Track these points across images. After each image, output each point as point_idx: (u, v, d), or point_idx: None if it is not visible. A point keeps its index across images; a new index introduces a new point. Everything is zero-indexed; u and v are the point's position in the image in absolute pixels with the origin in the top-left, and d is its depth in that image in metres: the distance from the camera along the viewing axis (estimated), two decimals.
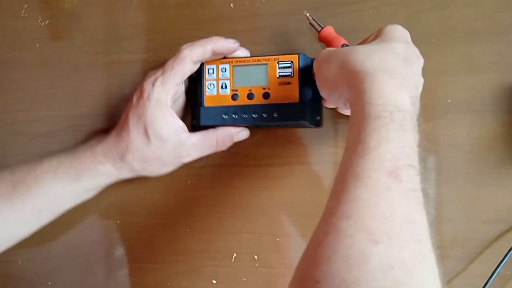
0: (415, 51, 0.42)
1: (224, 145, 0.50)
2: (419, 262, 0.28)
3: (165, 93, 0.48)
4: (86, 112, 0.58)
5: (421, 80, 0.42)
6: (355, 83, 0.37)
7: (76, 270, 0.58)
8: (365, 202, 0.30)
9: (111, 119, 0.57)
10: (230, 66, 0.50)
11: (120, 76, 0.57)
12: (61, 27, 0.58)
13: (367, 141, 0.33)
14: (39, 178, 0.49)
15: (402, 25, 0.51)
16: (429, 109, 0.50)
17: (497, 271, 0.47)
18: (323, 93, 0.44)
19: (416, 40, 0.50)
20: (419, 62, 0.42)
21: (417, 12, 0.50)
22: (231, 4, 0.54)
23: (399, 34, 0.42)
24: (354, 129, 0.35)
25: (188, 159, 0.50)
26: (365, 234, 0.28)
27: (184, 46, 0.48)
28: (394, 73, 0.37)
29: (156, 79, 0.48)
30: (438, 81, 0.50)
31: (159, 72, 0.48)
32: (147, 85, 0.48)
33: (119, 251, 0.57)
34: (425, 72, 0.50)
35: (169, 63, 0.48)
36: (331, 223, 0.30)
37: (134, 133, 0.48)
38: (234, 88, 0.50)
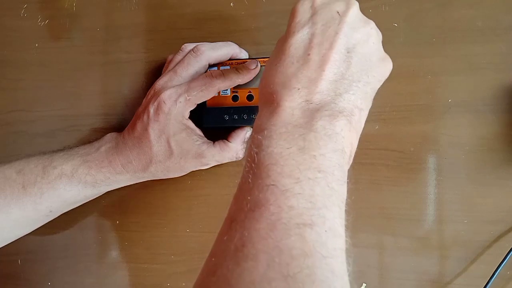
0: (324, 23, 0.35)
1: (242, 154, 0.52)
2: None
3: (187, 109, 0.48)
4: (86, 112, 0.57)
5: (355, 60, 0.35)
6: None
7: (76, 270, 0.58)
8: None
9: (111, 119, 0.57)
10: (231, 68, 0.50)
11: (119, 76, 0.57)
12: (60, 27, 0.58)
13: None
14: (53, 183, 0.48)
15: (402, 24, 0.51)
16: (429, 109, 0.50)
17: (498, 271, 0.47)
18: None
19: (416, 40, 0.50)
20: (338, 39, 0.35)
21: (418, 11, 0.50)
22: (231, 4, 0.54)
23: (296, 20, 0.36)
24: None
25: (206, 167, 0.51)
26: None
27: (215, 72, 0.48)
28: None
29: (179, 96, 0.47)
30: (438, 81, 0.50)
31: (182, 88, 0.47)
32: (168, 99, 0.47)
33: (119, 251, 0.57)
34: (425, 72, 0.50)
35: (197, 83, 0.47)
36: None
37: (156, 147, 0.48)
38: (234, 90, 0.50)
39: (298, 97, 0.33)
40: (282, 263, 0.27)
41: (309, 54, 0.34)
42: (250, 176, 0.31)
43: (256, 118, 0.35)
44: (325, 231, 0.29)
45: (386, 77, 0.37)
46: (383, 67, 0.36)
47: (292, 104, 0.33)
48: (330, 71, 0.34)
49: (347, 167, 0.33)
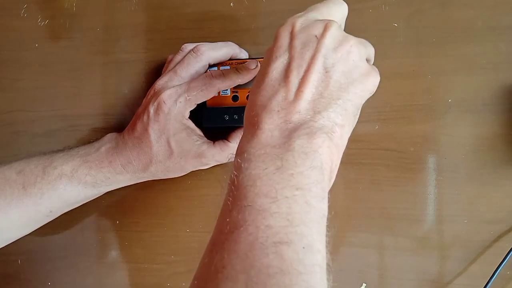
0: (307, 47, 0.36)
1: None
2: None
3: (187, 109, 0.48)
4: (86, 112, 0.57)
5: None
6: None
7: (76, 270, 0.58)
8: None
9: (111, 119, 0.57)
10: (231, 68, 0.50)
11: (119, 76, 0.57)
12: (60, 27, 0.58)
13: None
14: (53, 183, 0.48)
15: (402, 24, 0.51)
16: (429, 109, 0.50)
17: (498, 271, 0.47)
18: None
19: (416, 40, 0.50)
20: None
21: (417, 11, 0.50)
22: (231, 4, 0.54)
23: (277, 44, 0.37)
24: None
25: (206, 167, 0.51)
26: None
27: (215, 72, 0.48)
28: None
29: (179, 96, 0.47)
30: (438, 81, 0.50)
31: (182, 88, 0.48)
32: (168, 99, 0.47)
33: (119, 251, 0.57)
34: (425, 72, 0.50)
35: (197, 83, 0.48)
36: None
37: (156, 147, 0.48)
38: (234, 90, 0.50)
39: (277, 118, 0.34)
40: (259, 282, 0.27)
41: (288, 77, 0.35)
42: (230, 198, 0.32)
43: (239, 140, 0.36)
44: (303, 247, 0.29)
45: (372, 91, 0.37)
46: (366, 82, 0.37)
47: (271, 126, 0.34)
48: (309, 91, 0.34)
49: (327, 183, 0.33)
